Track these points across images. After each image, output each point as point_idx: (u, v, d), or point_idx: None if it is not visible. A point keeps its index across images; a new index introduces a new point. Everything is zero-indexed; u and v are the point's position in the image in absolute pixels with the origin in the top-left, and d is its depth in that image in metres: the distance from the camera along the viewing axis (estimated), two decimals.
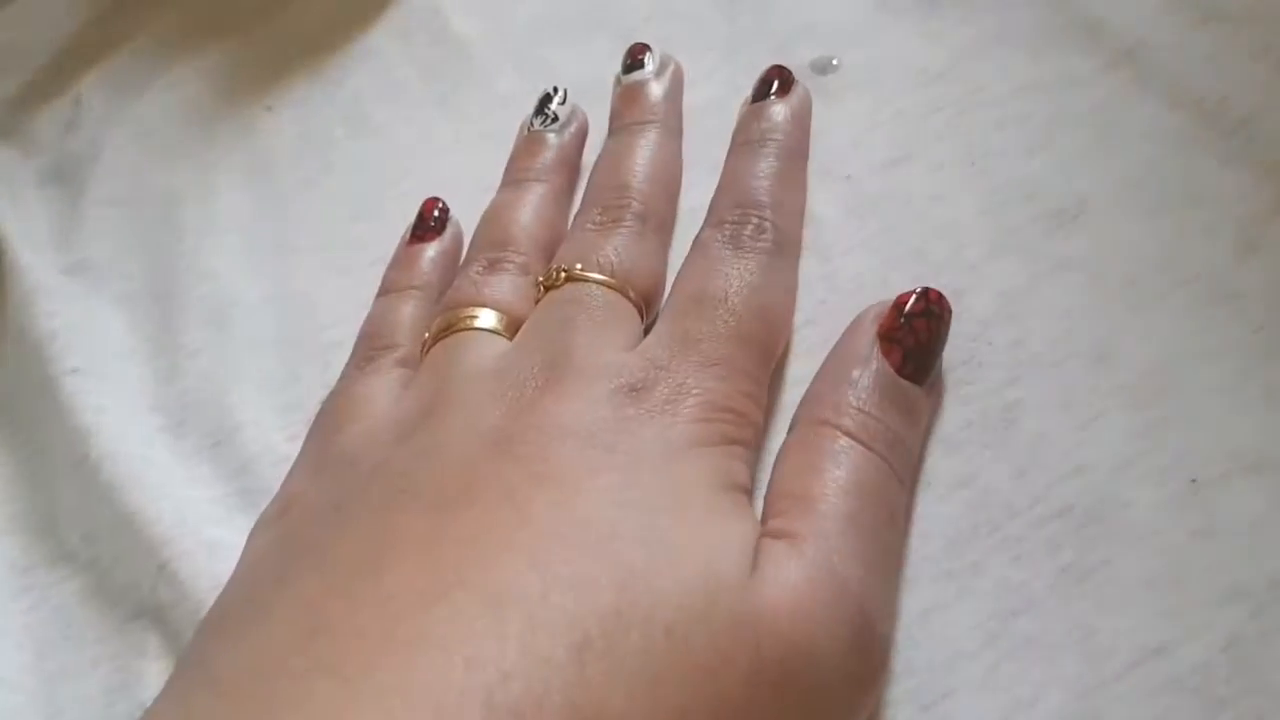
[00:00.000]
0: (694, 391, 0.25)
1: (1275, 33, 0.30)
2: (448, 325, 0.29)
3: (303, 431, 0.31)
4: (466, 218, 0.35)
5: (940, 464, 0.26)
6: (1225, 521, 0.24)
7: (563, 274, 0.29)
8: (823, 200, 0.32)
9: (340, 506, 0.25)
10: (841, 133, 0.33)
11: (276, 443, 0.32)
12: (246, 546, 0.27)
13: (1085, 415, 0.26)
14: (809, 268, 0.30)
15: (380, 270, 0.34)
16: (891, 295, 0.27)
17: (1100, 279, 0.28)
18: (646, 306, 0.29)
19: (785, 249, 0.29)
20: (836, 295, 0.30)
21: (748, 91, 0.34)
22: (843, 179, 0.32)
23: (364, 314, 0.33)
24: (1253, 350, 0.25)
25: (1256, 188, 0.28)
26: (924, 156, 0.32)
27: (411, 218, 0.35)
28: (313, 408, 0.31)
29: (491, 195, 0.34)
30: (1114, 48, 0.31)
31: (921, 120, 0.32)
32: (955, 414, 0.27)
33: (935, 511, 0.25)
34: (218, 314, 0.37)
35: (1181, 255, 0.27)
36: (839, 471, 0.24)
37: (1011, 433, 0.26)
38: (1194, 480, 0.24)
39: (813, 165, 0.32)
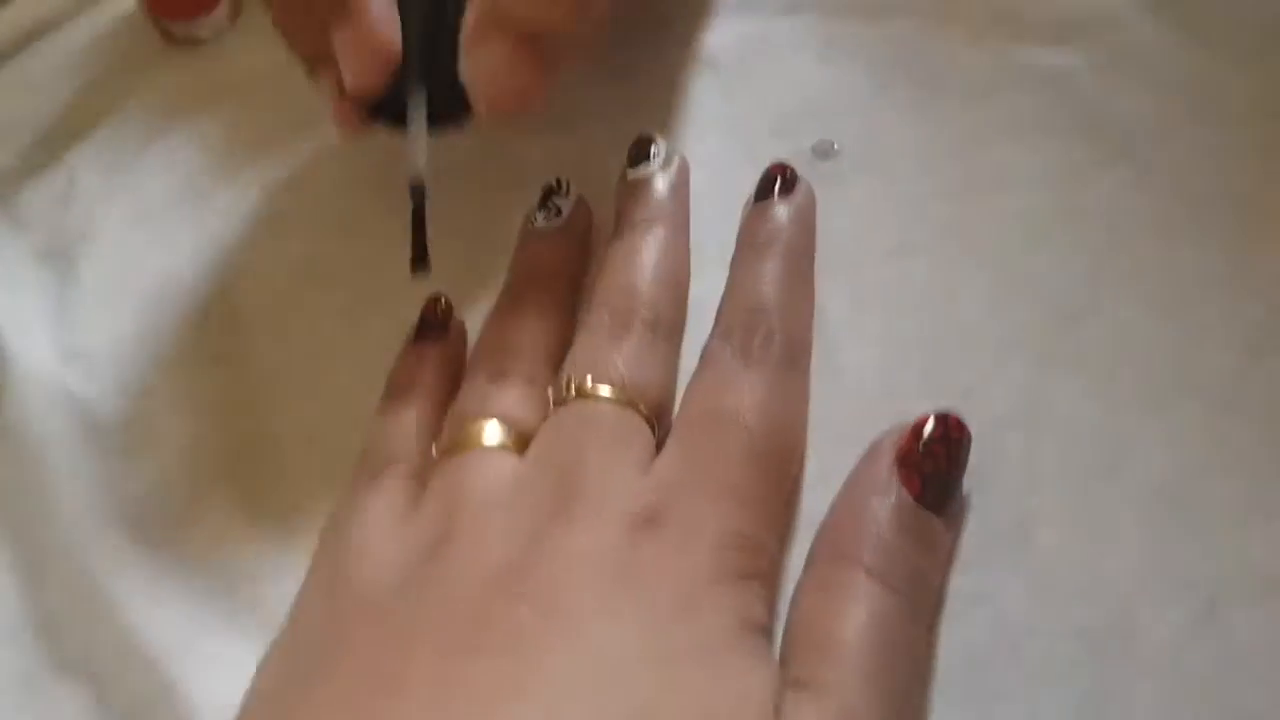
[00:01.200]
0: (709, 522, 0.25)
1: (1277, 129, 0.30)
2: (455, 443, 0.29)
3: (305, 540, 0.31)
4: (466, 309, 0.34)
5: (956, 579, 0.26)
6: (1244, 646, 0.23)
7: (572, 388, 0.28)
8: (826, 290, 0.31)
9: (350, 643, 0.25)
10: (844, 220, 0.33)
11: (277, 550, 0.32)
12: (255, 676, 0.27)
13: (1099, 529, 0.26)
14: (814, 361, 0.30)
15: (382, 357, 0.34)
16: (899, 391, 0.27)
17: (1110, 382, 0.28)
18: (658, 419, 0.29)
19: (796, 358, 0.29)
20: (843, 391, 0.29)
21: (747, 174, 0.33)
22: (846, 267, 0.32)
23: (365, 398, 0.33)
24: (1265, 463, 0.25)
25: (1265, 287, 0.28)
26: (928, 246, 0.31)
27: (412, 300, 0.34)
28: (312, 512, 0.31)
29: (495, 282, 0.34)
30: (1117, 140, 0.31)
31: (924, 208, 0.32)
32: (969, 525, 0.26)
33: (953, 630, 0.25)
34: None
35: (1192, 359, 0.27)
36: (861, 616, 0.23)
37: (1027, 547, 0.26)
38: (1212, 601, 0.24)
39: (816, 253, 0.32)
